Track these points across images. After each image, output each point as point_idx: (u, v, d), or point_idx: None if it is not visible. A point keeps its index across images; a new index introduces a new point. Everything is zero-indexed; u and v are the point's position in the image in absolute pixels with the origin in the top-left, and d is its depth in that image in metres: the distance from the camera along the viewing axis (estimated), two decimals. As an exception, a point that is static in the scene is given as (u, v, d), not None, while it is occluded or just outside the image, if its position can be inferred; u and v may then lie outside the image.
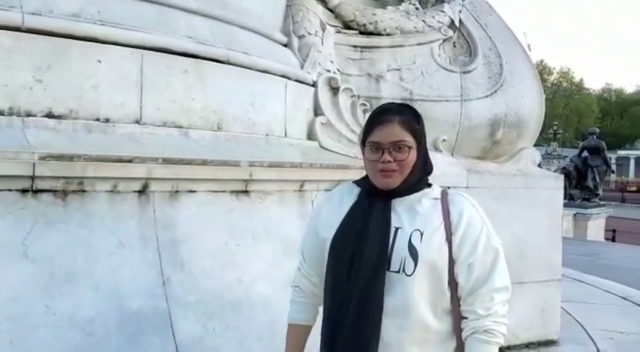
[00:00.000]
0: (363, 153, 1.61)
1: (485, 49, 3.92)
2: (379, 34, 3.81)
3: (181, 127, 2.56)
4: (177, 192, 2.36)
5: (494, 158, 3.92)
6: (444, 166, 3.63)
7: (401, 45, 3.79)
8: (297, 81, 3.19)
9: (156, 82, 2.49)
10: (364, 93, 3.60)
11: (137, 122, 2.42)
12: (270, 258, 2.50)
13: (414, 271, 1.47)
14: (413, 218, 1.53)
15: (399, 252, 1.49)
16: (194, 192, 2.42)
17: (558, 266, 4.07)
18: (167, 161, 2.29)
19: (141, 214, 2.25)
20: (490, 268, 1.52)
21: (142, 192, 2.27)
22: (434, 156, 3.64)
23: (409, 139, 1.54)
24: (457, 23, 3.98)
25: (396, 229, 1.52)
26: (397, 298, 1.48)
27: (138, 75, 2.44)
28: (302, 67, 3.32)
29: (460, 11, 4.00)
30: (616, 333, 4.36)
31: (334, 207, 1.64)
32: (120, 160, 2.17)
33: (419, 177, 1.59)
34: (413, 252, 1.48)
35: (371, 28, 3.78)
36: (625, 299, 5.78)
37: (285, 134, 3.08)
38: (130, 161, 2.19)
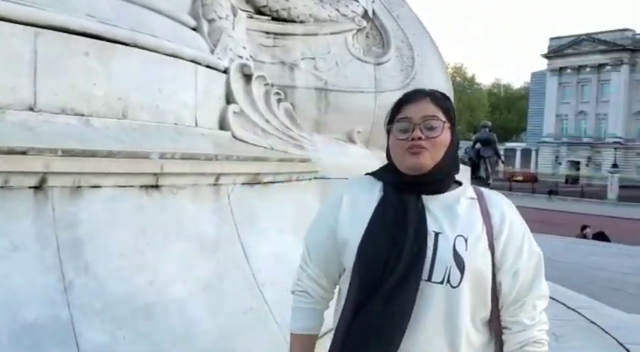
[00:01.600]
0: (389, 139, 1.46)
1: (397, 41, 3.92)
2: (292, 21, 3.70)
3: (82, 115, 2.32)
4: (79, 187, 2.12)
5: (406, 150, 3.95)
6: (359, 159, 3.60)
7: (315, 33, 3.71)
8: (207, 67, 3.02)
9: (52, 64, 2.23)
10: (278, 82, 3.48)
11: (31, 109, 2.16)
12: (185, 257, 2.33)
13: (460, 282, 1.33)
14: (453, 221, 1.38)
15: (443, 260, 1.34)
16: (99, 187, 2.19)
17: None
18: (67, 153, 2.05)
19: (37, 212, 2.00)
20: (534, 275, 1.42)
21: (39, 187, 2.01)
22: (348, 148, 3.65)
23: (442, 116, 1.41)
24: (370, 14, 3.95)
25: (436, 234, 1.36)
26: (439, 310, 1.34)
27: (31, 56, 2.17)
28: (212, 53, 3.14)
29: (373, 1, 3.98)
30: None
31: (357, 202, 1.45)
32: (11, 151, 1.91)
33: (452, 166, 1.44)
34: (459, 261, 1.33)
35: (284, 14, 3.66)
36: None
37: (196, 123, 2.90)
38: (23, 153, 1.93)
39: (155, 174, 2.35)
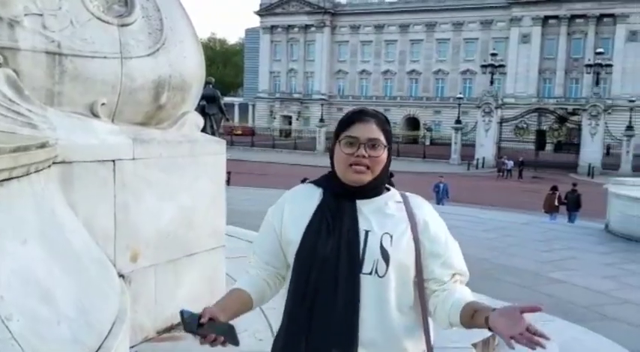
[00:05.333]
0: (333, 149, 1.70)
1: (142, -1, 3.44)
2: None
3: None
4: None
5: (157, 124, 3.55)
6: (105, 135, 3.10)
7: (41, -17, 3.01)
8: None
9: None
10: (-6, 43, 2.76)
11: None
12: None
13: (386, 272, 1.60)
14: (381, 221, 1.65)
15: (372, 254, 1.61)
16: None
17: (223, 232, 4.02)
18: None
19: None
20: (455, 257, 1.70)
21: None
22: (91, 124, 3.12)
23: (383, 139, 1.67)
24: (108, -36, 3.37)
25: (366, 232, 1.63)
26: (371, 298, 1.59)
27: None
28: None
29: (110, -50, 3.39)
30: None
31: (298, 207, 1.72)
32: None
33: (384, 180, 1.71)
34: (384, 255, 1.60)
35: (-3, -45, 2.88)
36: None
37: None
38: None
39: None
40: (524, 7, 65.71)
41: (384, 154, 1.67)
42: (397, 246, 1.62)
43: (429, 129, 67.14)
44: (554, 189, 17.62)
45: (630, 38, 61.70)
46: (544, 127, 45.72)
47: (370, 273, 1.59)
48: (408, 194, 1.75)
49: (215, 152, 3.87)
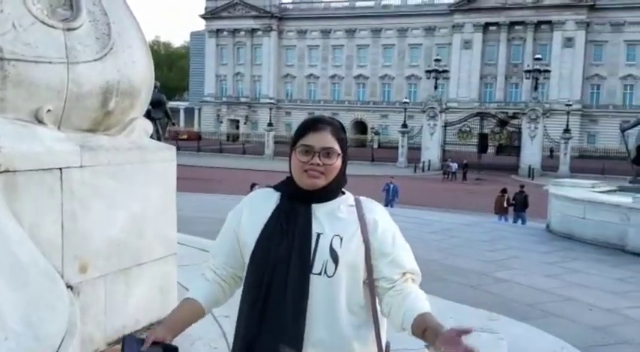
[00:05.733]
0: (291, 156, 1.75)
1: (89, 3, 3.36)
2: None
3: None
4: None
5: (105, 130, 3.47)
6: (51, 143, 3.01)
7: (-21, -15, 2.90)
8: None
9: None
10: None
11: None
12: None
13: (334, 272, 1.66)
14: (333, 224, 1.72)
15: (322, 255, 1.67)
16: None
17: (174, 240, 3.96)
18: None
19: None
20: (404, 256, 1.75)
21: None
22: (36, 131, 3.02)
23: (337, 147, 1.73)
24: (51, -34, 3.28)
25: (318, 234, 1.69)
26: (321, 296, 1.65)
27: None
28: None
29: (54, -48, 3.30)
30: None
31: (256, 210, 1.78)
32: None
33: (339, 184, 1.78)
34: (334, 255, 1.66)
35: None
36: (206, 251, 5.98)
37: None
38: None
39: None
40: (465, 14, 67.55)
41: (337, 162, 1.73)
42: (347, 248, 1.68)
43: (377, 133, 68.03)
44: (504, 191, 18.23)
45: (566, 44, 64.35)
46: (486, 131, 47.02)
47: (320, 273, 1.66)
48: (361, 198, 1.81)
49: (165, 159, 3.82)
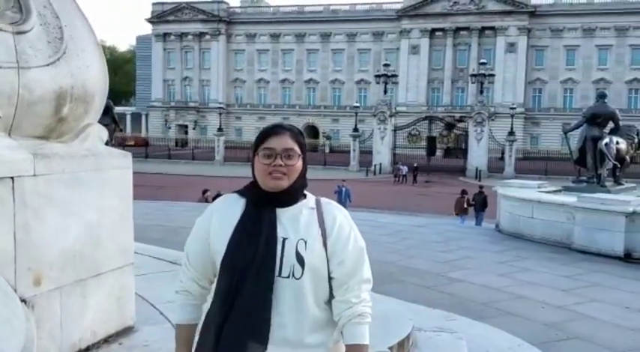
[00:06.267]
0: (253, 161, 1.82)
1: (39, 6, 3.24)
2: None
3: None
4: None
5: (59, 137, 3.34)
6: (2, 151, 2.88)
7: None
8: None
9: None
10: None
11: None
12: None
13: (302, 275, 1.74)
14: (296, 228, 1.78)
15: (288, 259, 1.74)
16: None
17: (131, 249, 3.85)
18: None
19: None
20: (358, 263, 1.82)
21: None
22: (-14, 139, 2.88)
23: (297, 149, 1.82)
24: (-2, -34, 3.14)
25: (284, 239, 1.76)
26: (288, 297, 1.73)
27: None
28: None
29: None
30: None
31: (223, 217, 1.83)
32: None
33: (301, 185, 1.85)
34: (300, 259, 1.74)
35: None
36: (160, 259, 5.87)
37: None
38: None
39: None
40: (412, 20, 68.78)
41: (298, 163, 1.81)
42: (311, 251, 1.76)
43: (328, 138, 68.36)
44: (464, 193, 18.81)
45: (509, 49, 66.40)
46: (434, 134, 48.02)
47: (288, 277, 1.74)
48: (322, 200, 1.89)
49: (121, 166, 3.71)
